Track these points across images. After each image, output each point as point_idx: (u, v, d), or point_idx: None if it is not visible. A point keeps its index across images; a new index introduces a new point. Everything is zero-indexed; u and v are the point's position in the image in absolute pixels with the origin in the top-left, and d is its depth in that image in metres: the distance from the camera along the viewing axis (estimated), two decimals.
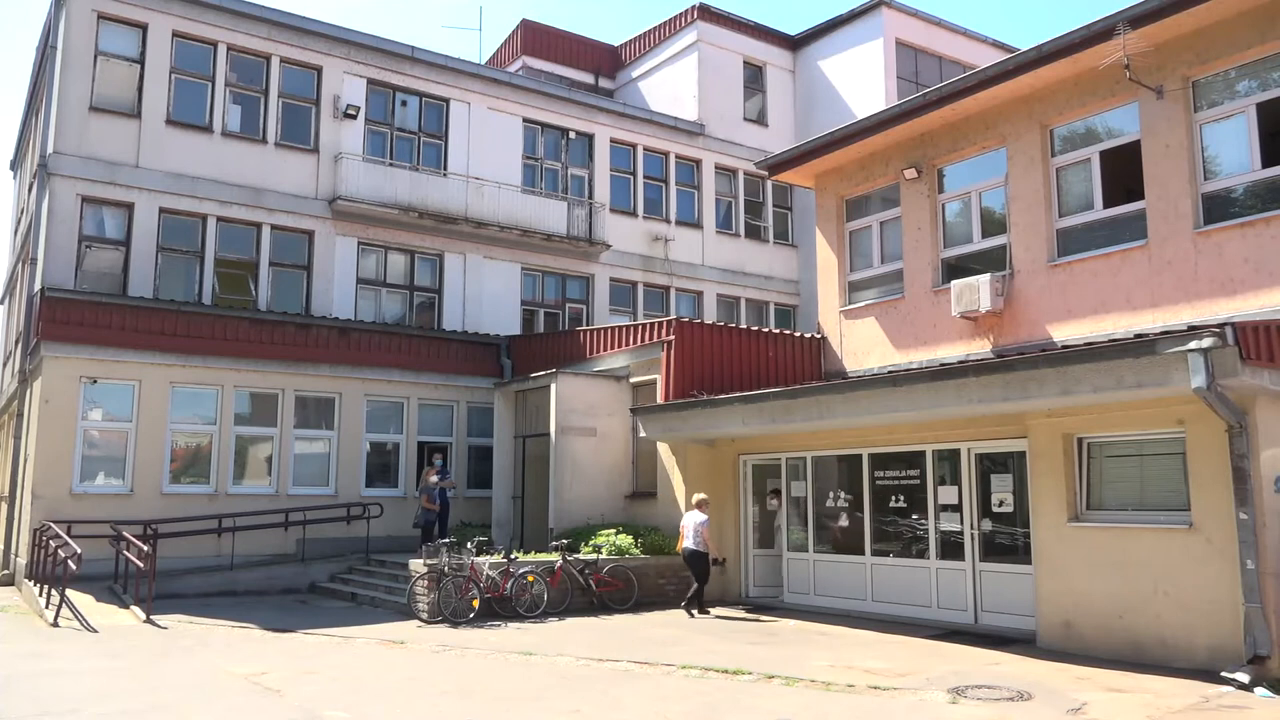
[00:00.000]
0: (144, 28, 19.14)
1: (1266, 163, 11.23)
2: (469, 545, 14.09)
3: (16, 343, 20.25)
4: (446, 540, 14.52)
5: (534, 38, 28.78)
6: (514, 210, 22.81)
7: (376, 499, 18.56)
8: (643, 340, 17.04)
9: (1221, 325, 8.54)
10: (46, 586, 14.16)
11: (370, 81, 21.56)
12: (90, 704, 8.39)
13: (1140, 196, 12.29)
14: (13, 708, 8.22)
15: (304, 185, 20.51)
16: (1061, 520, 10.98)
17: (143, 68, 19.09)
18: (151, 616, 13.23)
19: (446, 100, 22.62)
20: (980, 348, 13.97)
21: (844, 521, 14.27)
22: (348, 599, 15.92)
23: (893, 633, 12.08)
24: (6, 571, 18.42)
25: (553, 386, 16.98)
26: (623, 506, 16.98)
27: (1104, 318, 12.53)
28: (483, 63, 27.06)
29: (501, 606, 13.66)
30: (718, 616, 13.89)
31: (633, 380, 17.24)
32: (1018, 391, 10.16)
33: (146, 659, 10.71)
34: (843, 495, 14.35)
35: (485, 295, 22.47)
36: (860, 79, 25.86)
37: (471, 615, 13.28)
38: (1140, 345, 9.04)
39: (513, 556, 14.28)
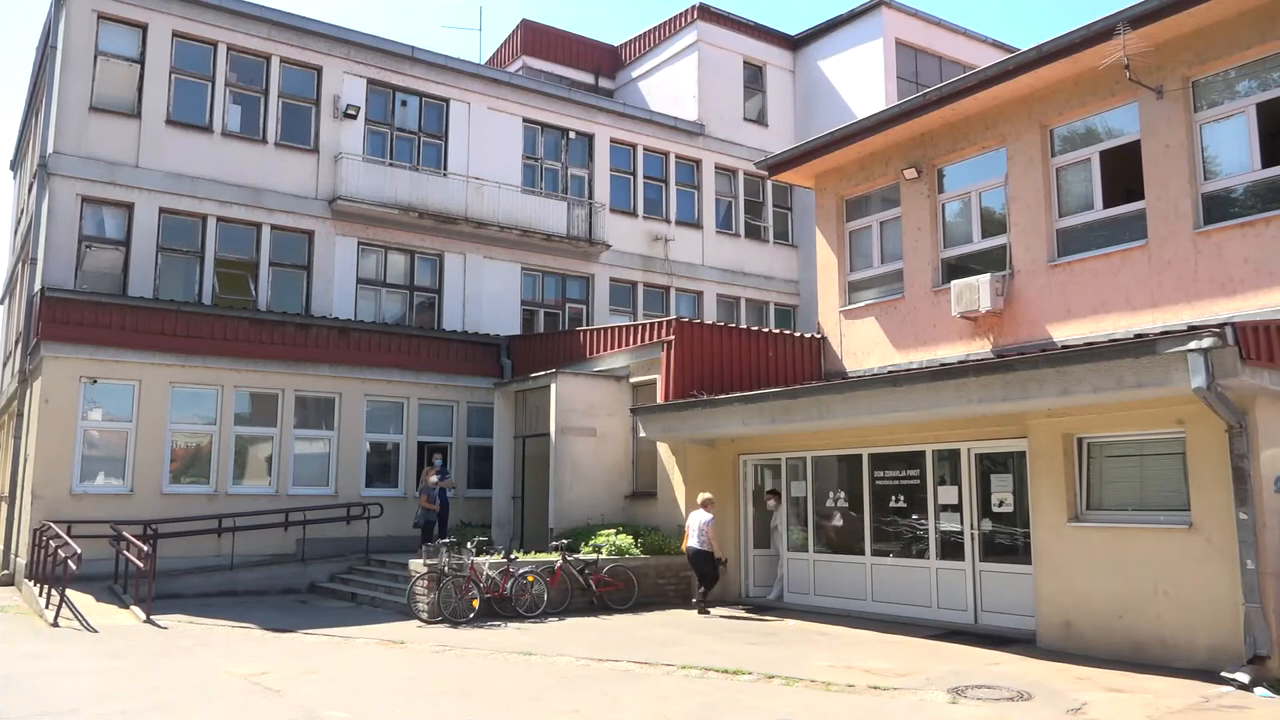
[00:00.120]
0: (144, 28, 19.14)
1: (1266, 163, 11.23)
2: (469, 545, 14.09)
3: (16, 343, 20.26)
4: (446, 540, 14.52)
5: (534, 38, 28.78)
6: (514, 210, 22.81)
7: (376, 499, 18.56)
8: (643, 340, 17.04)
9: (1221, 325, 8.54)
10: (46, 586, 14.16)
11: (370, 81, 21.56)
12: (90, 704, 8.39)
13: (1140, 196, 12.29)
14: (13, 708, 8.22)
15: (304, 185, 20.51)
16: (1061, 520, 10.97)
17: (143, 68, 19.09)
18: (151, 616, 13.23)
19: (446, 100, 22.62)
20: (980, 348, 13.97)
21: (844, 521, 14.27)
22: (348, 599, 15.92)
23: (893, 633, 12.08)
24: (6, 571, 18.43)
25: (553, 386, 16.98)
26: (623, 506, 16.98)
27: (1104, 318, 12.53)
28: (483, 63, 27.08)
29: (501, 606, 13.66)
30: (718, 616, 13.90)
31: (633, 380, 17.24)
32: (1018, 391, 10.16)
33: (146, 659, 10.71)
34: (843, 495, 14.35)
35: (485, 295, 22.47)
36: (860, 79, 25.86)
37: (471, 615, 13.28)
38: (1140, 345, 9.04)
39: (513, 556, 14.28)
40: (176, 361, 17.51)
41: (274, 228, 20.15)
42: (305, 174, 20.57)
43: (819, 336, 16.86)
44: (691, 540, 14.19)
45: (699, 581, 14.41)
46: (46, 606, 13.40)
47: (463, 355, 20.63)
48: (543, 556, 14.92)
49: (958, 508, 12.58)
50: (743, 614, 14.17)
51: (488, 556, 14.15)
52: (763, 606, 14.75)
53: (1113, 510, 10.76)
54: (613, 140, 25.10)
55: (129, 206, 18.70)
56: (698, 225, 26.22)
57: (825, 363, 16.60)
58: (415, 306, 21.91)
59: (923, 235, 15.04)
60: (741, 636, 12.08)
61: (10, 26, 73.76)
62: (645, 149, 25.62)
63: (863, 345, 15.89)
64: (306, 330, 19.03)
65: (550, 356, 19.09)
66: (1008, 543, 12.11)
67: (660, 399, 16.04)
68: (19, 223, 23.80)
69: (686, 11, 27.15)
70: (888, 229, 15.88)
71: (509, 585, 13.72)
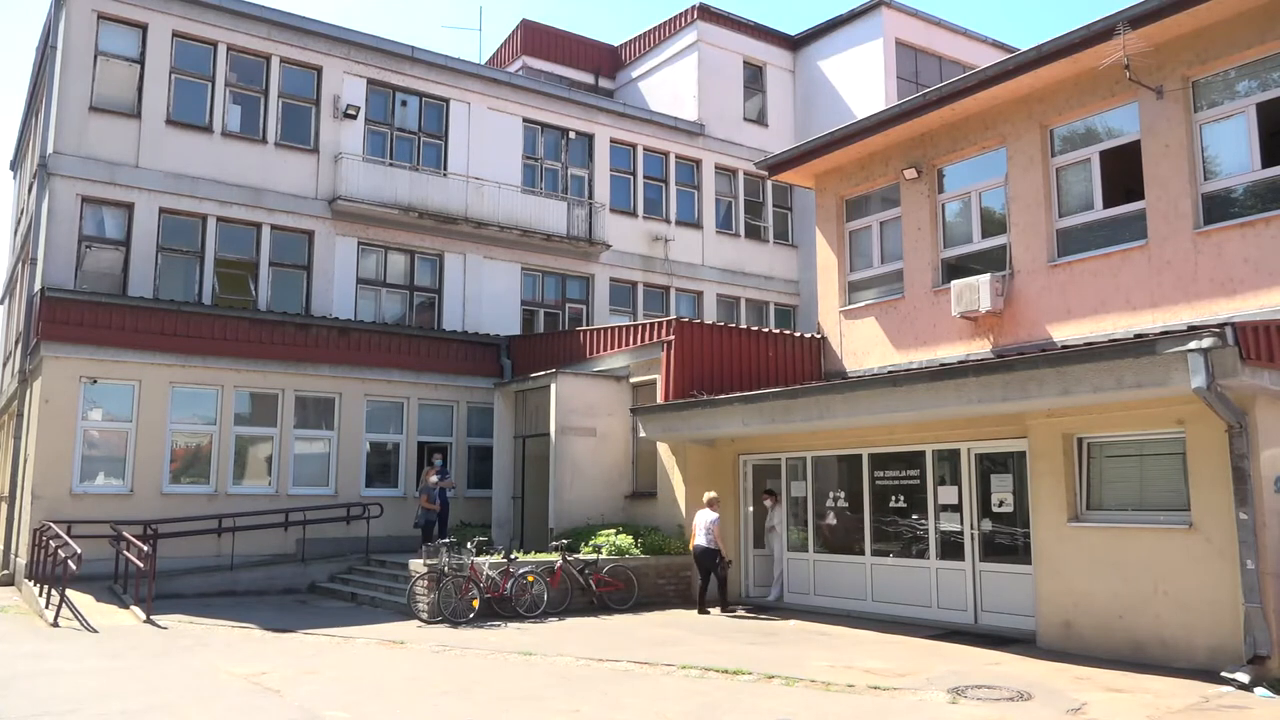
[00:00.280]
0: (144, 28, 19.14)
1: (1266, 163, 11.24)
2: (469, 545, 14.09)
3: (16, 343, 20.25)
4: (446, 540, 14.52)
5: (534, 38, 28.78)
6: (514, 210, 22.81)
7: (376, 499, 18.56)
8: (643, 340, 17.04)
9: (1221, 325, 8.54)
10: (46, 586, 14.16)
11: (370, 81, 21.56)
12: (90, 704, 8.39)
13: (1140, 196, 12.29)
14: (13, 708, 8.23)
15: (304, 185, 20.51)
16: (1061, 520, 10.98)
17: (143, 68, 19.09)
18: (151, 616, 13.23)
19: (446, 100, 22.62)
20: (980, 348, 13.98)
21: (844, 521, 14.27)
22: (348, 599, 15.92)
23: (892, 633, 12.08)
24: (6, 571, 18.43)
25: (553, 386, 16.98)
26: (622, 506, 16.98)
27: (1104, 318, 12.54)
28: (483, 63, 27.09)
29: (501, 606, 13.66)
30: (718, 616, 13.90)
31: (633, 380, 17.24)
32: (1017, 391, 10.17)
33: (146, 659, 10.71)
34: (843, 495, 14.35)
35: (485, 295, 22.47)
36: (860, 79, 25.86)
37: (471, 615, 13.28)
38: (1140, 345, 9.04)
39: (513, 556, 14.28)
40: (176, 361, 17.51)
41: (274, 228, 20.15)
42: (305, 174, 20.57)
43: (819, 336, 16.86)
44: (699, 539, 14.22)
45: (703, 581, 14.40)
46: (46, 606, 13.40)
47: (463, 355, 20.64)
48: (543, 556, 14.92)
49: (958, 508, 12.59)
50: (743, 614, 14.18)
51: (488, 556, 14.15)
52: (762, 606, 14.76)
53: (1113, 510, 10.76)
54: (613, 140, 25.09)
55: (129, 206, 18.70)
56: (698, 225, 26.22)
57: (825, 363, 16.61)
58: (415, 306, 21.91)
59: (923, 235, 15.04)
60: (741, 636, 12.08)
61: (10, 26, 73.82)
62: (645, 149, 25.62)
63: (863, 345, 15.89)
64: (306, 330, 19.03)
65: (550, 356, 19.10)
66: (1008, 543, 12.12)
67: (660, 399, 16.04)
68: (19, 223, 23.80)
69: (686, 11, 27.14)
70: (888, 229, 15.88)
71: (509, 585, 13.72)
